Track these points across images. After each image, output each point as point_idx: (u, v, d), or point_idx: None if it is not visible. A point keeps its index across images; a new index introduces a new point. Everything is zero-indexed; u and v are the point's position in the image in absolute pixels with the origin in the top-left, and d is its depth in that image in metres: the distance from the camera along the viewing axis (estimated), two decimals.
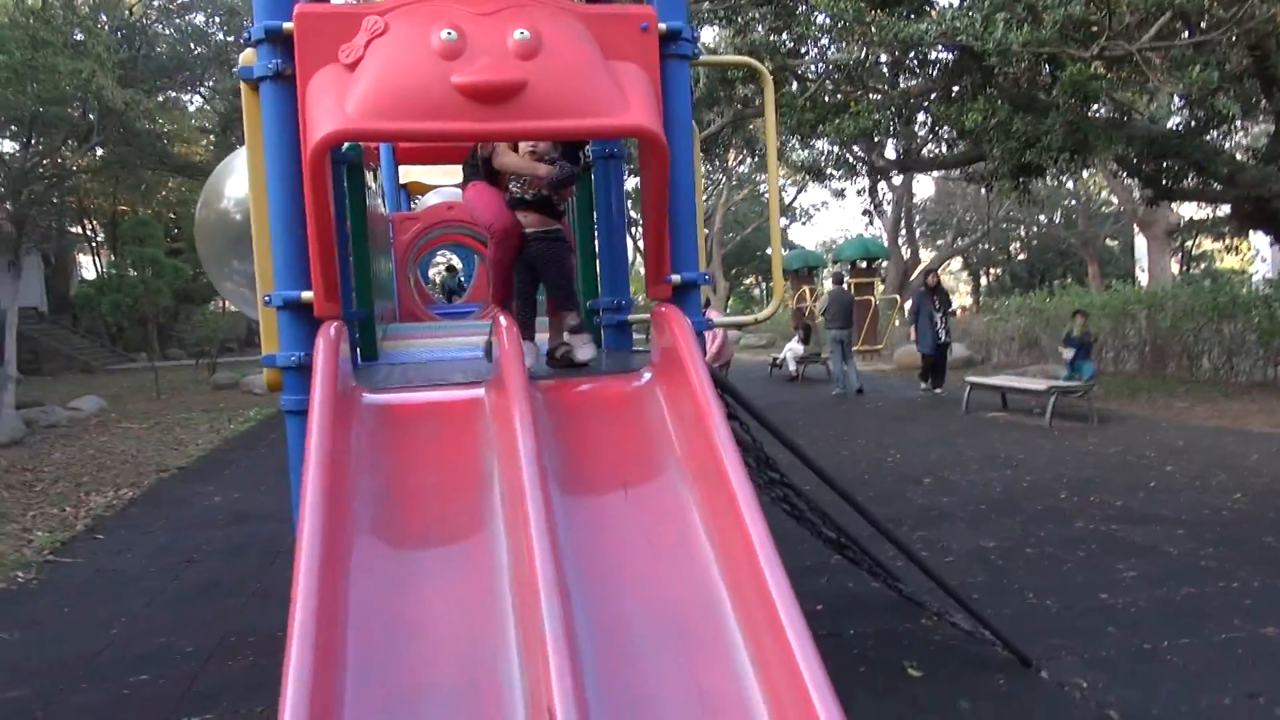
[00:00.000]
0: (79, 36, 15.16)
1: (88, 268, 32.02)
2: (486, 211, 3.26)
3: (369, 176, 5.15)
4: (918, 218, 41.61)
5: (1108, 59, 7.60)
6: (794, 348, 16.14)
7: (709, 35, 15.76)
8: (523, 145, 3.25)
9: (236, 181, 3.66)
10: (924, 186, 54.02)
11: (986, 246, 42.74)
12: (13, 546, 6.29)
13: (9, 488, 8.50)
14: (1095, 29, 7.50)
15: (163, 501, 7.81)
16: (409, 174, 9.44)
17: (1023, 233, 43.32)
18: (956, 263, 45.96)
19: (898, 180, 27.08)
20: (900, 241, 29.75)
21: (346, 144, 3.84)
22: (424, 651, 2.13)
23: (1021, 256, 45.22)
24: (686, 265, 3.08)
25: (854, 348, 15.75)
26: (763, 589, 2.14)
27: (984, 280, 46.65)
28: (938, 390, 13.27)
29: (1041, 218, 40.90)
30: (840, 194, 26.27)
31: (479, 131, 2.62)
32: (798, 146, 12.69)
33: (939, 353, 13.37)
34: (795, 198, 43.09)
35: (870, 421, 10.79)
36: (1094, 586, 4.64)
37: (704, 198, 41.22)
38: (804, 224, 45.01)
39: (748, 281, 49.44)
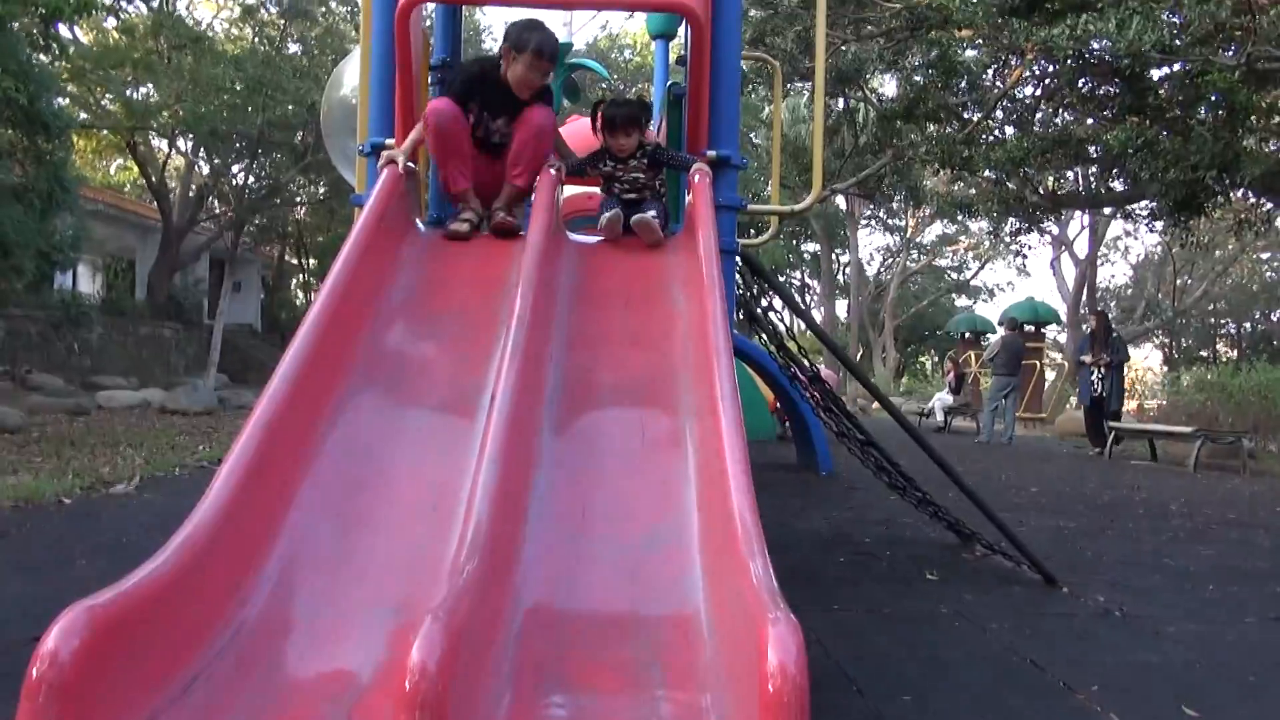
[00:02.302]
0: (299, 55, 17.23)
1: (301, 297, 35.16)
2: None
3: None
4: (1113, 304, 39.52)
5: (1258, 72, 7.34)
6: (943, 398, 15.78)
7: (878, 82, 16.01)
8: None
9: (353, 72, 4.31)
10: (1117, 270, 51.05)
11: (1186, 341, 39.87)
12: (182, 459, 7.23)
13: (191, 434, 9.70)
14: (1239, 35, 7.29)
15: None
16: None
17: (1232, 329, 40.11)
18: (1155, 358, 42.98)
19: (1081, 251, 26.03)
20: (1082, 320, 28.42)
21: None
22: (421, 378, 2.53)
23: (1231, 354, 41.68)
24: (724, 143, 3.40)
25: (1017, 413, 14.98)
26: (709, 369, 2.41)
27: (1185, 380, 43.30)
28: (1099, 452, 11.65)
29: (1256, 312, 37.86)
30: (1023, 269, 25.46)
31: None
32: (945, 183, 12.64)
33: (1096, 409, 11.89)
34: (976, 274, 41.94)
35: (1002, 460, 10.46)
36: (1162, 554, 4.50)
37: (878, 272, 40.73)
38: (986, 301, 43.46)
39: (923, 359, 48.11)
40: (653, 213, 3.22)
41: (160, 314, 21.89)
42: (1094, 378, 11.71)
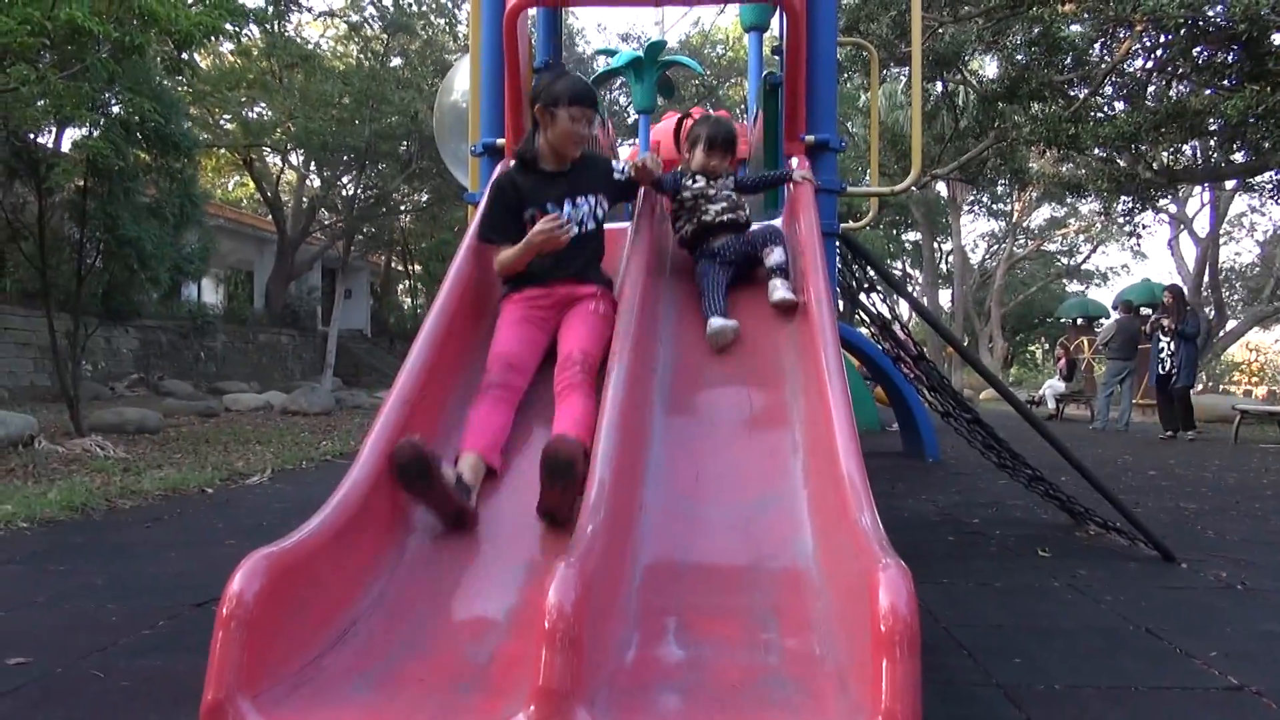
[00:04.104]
0: (402, 68, 17.88)
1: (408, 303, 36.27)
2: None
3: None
4: (1238, 285, 37.49)
5: None
6: (1054, 385, 15.32)
7: (978, 64, 15.66)
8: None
9: (463, 77, 4.51)
10: (1242, 248, 48.36)
11: None
12: (307, 454, 7.63)
13: (313, 432, 10.19)
14: None
15: None
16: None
17: None
18: None
19: (1202, 230, 24.83)
20: (1204, 304, 27.00)
21: None
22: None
23: None
24: (823, 126, 3.46)
25: (1134, 399, 14.39)
26: (815, 347, 2.49)
27: None
28: (1171, 435, 11.09)
29: None
30: (1139, 251, 24.42)
31: None
32: (1052, 164, 12.25)
33: (1163, 387, 11.29)
34: (1087, 258, 40.37)
35: (1118, 445, 10.13)
36: None
37: (982, 259, 39.62)
38: (1099, 286, 41.76)
39: (1032, 348, 46.55)
40: (784, 285, 2.82)
41: (278, 322, 22.95)
42: (1163, 354, 11.15)
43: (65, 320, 8.45)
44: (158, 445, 7.85)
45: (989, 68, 16.40)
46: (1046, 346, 44.72)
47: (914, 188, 21.43)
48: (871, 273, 4.29)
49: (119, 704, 2.03)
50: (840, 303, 5.62)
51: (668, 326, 2.86)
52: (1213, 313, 24.36)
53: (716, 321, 2.76)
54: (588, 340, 2.54)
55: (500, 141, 3.49)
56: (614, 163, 2.96)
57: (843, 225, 4.73)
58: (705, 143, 3.16)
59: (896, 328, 4.48)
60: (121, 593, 3.00)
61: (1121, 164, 11.10)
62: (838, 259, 4.16)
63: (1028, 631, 2.65)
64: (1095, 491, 3.88)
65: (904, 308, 16.94)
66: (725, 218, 3.08)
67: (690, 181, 3.14)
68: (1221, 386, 28.63)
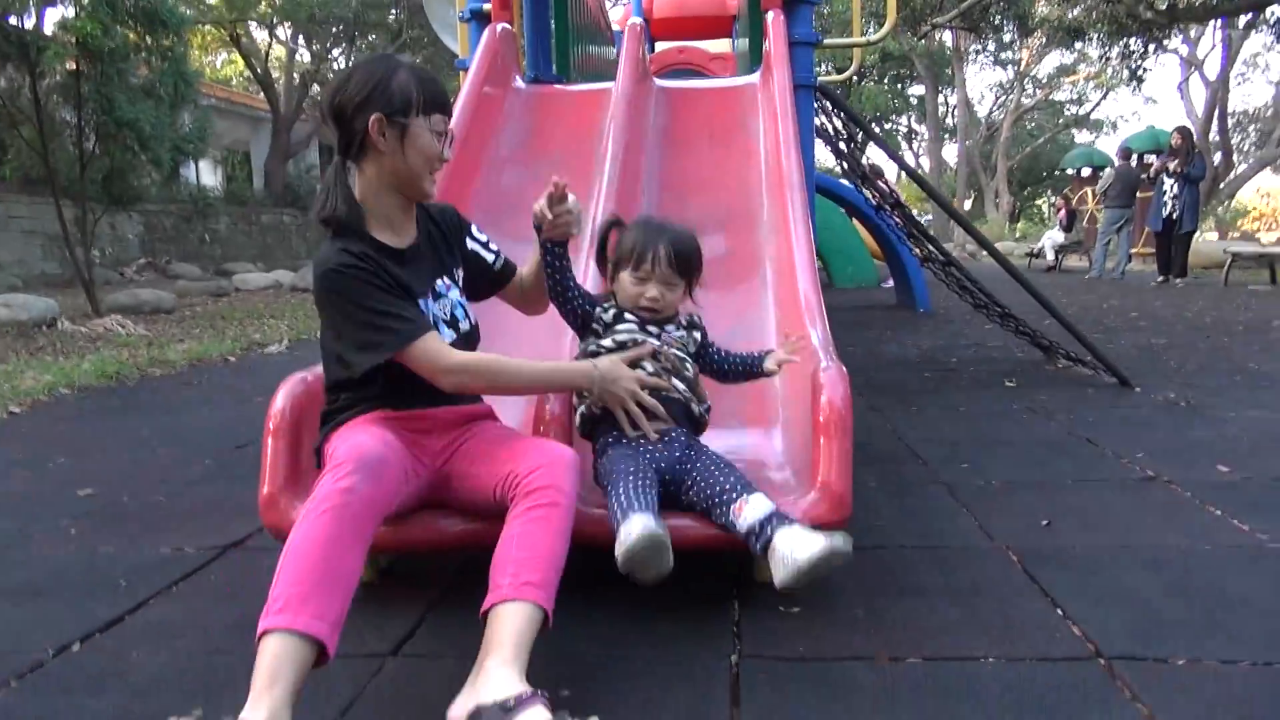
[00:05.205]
0: None
1: None
2: None
3: None
4: (1250, 129, 36.78)
5: None
6: (1053, 235, 15.41)
7: None
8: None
9: None
10: (1256, 90, 47.14)
11: None
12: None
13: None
14: None
15: None
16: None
17: None
18: None
19: (1211, 71, 24.28)
20: (1213, 148, 26.56)
21: None
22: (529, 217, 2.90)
23: None
24: None
25: (1132, 249, 14.45)
26: (782, 194, 2.71)
27: None
28: (1164, 279, 11.03)
29: None
30: (1139, 91, 23.80)
31: None
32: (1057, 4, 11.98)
33: (1167, 233, 11.17)
34: (1096, 106, 39.52)
35: (1110, 292, 10.33)
36: (1247, 361, 4.62)
37: (989, 112, 38.77)
38: (1108, 135, 40.99)
39: (1039, 202, 46.07)
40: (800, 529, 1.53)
41: (279, 202, 22.92)
42: (1166, 196, 11.15)
43: (71, 207, 8.61)
44: (175, 323, 8.14)
45: None
46: (1053, 200, 44.11)
47: (914, 38, 20.87)
48: (852, 126, 4.44)
49: (183, 519, 2.37)
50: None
51: (651, 178, 3.06)
52: (1219, 157, 24.05)
53: (641, 524, 1.47)
54: (537, 455, 1.55)
55: (487, 6, 3.61)
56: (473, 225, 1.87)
57: (823, 78, 4.85)
58: (636, 258, 1.85)
59: (887, 178, 4.66)
60: (169, 440, 3.33)
61: (1123, 4, 10.86)
62: (829, 112, 4.32)
63: (979, 444, 2.95)
64: (1065, 329, 4.13)
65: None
66: (671, 394, 1.80)
67: (609, 317, 1.86)
68: (1231, 233, 28.56)
